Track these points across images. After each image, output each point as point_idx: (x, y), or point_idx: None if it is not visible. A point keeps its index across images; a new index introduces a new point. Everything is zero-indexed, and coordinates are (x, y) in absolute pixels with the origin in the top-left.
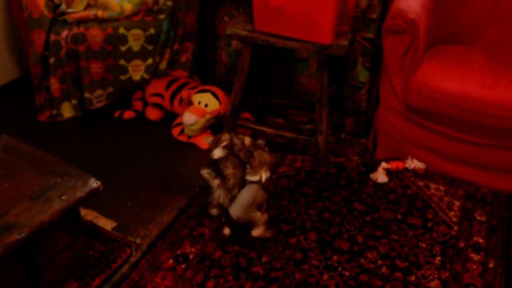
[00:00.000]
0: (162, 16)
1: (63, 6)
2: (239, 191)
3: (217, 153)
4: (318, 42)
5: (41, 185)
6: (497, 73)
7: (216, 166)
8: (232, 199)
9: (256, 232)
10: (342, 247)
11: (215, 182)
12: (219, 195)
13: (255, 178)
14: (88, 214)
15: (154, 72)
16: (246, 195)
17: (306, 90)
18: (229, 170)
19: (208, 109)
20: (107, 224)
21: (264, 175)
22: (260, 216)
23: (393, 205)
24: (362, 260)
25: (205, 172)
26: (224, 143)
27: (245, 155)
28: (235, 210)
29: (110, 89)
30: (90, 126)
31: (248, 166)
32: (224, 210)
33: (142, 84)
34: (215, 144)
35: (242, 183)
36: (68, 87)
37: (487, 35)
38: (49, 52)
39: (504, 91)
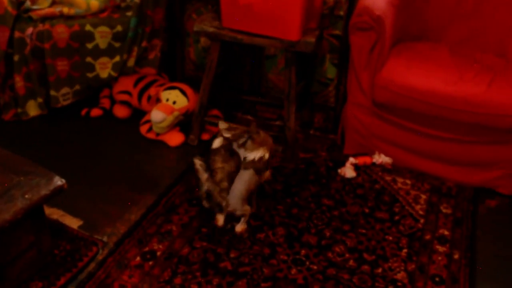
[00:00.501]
0: (129, 13)
1: (28, 3)
2: (228, 184)
3: (216, 143)
4: (286, 39)
5: (4, 184)
6: (462, 69)
7: (207, 157)
8: (221, 192)
9: (240, 228)
10: (310, 241)
11: (204, 176)
12: (208, 188)
13: (252, 155)
14: (54, 213)
15: (121, 70)
16: (240, 186)
17: (275, 87)
18: (218, 164)
19: (176, 106)
20: (73, 222)
21: (262, 154)
22: (249, 210)
23: (361, 200)
24: (329, 254)
25: (198, 163)
26: (228, 135)
27: (244, 136)
28: (232, 202)
29: (77, 87)
30: (56, 125)
31: (249, 142)
32: (215, 202)
33: (110, 82)
34: (220, 134)
35: (231, 176)
36: (33, 85)
37: (453, 32)
38: (14, 50)
39: (469, 87)
